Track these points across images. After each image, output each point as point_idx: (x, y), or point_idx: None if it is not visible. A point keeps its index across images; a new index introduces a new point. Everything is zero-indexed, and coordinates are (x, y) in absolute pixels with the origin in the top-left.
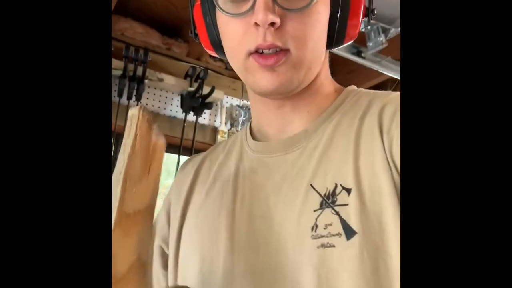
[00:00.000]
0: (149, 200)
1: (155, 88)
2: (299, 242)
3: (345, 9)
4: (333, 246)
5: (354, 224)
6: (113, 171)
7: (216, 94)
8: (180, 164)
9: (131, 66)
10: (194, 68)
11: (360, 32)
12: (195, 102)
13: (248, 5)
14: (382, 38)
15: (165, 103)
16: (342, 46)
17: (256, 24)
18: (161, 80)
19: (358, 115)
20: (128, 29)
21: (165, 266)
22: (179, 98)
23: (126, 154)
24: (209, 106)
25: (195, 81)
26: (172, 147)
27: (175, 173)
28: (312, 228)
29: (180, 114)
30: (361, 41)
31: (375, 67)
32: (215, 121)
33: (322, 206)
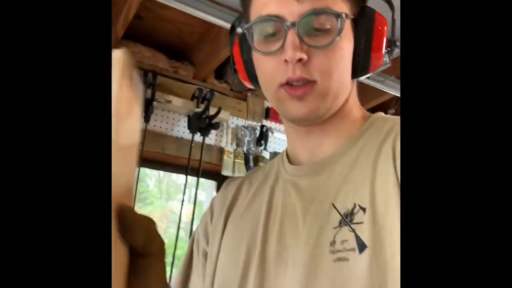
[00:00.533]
0: (135, 137)
1: (162, 110)
2: (318, 256)
3: (368, 43)
4: (347, 259)
5: (366, 239)
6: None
7: (222, 115)
8: (188, 183)
9: None
10: (200, 90)
11: None
12: (202, 123)
13: (278, 45)
14: (386, 58)
15: (173, 124)
16: (368, 75)
17: (286, 60)
18: (169, 101)
19: (379, 140)
20: (137, 53)
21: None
22: (186, 119)
23: (115, 93)
24: (216, 126)
25: (202, 102)
26: (180, 168)
27: (184, 191)
28: (331, 243)
29: (187, 135)
30: None
31: (379, 86)
32: (221, 141)
33: (340, 224)
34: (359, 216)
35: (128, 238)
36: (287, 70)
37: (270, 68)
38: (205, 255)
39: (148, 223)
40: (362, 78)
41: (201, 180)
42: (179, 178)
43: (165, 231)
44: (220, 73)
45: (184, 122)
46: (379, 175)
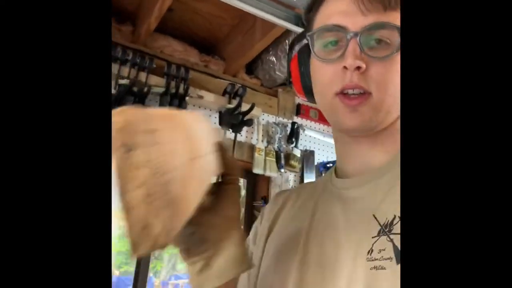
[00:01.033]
0: None
1: (193, 106)
2: (355, 264)
3: None
4: (384, 268)
5: None
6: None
7: (254, 111)
8: None
9: (172, 84)
10: (232, 85)
11: None
12: (235, 119)
13: (339, 53)
14: None
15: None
16: None
17: (344, 67)
18: (201, 97)
19: None
20: (167, 47)
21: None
22: (217, 115)
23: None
24: (248, 123)
25: (233, 98)
26: None
27: None
28: (368, 252)
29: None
30: None
31: None
32: (251, 138)
33: (379, 234)
34: (398, 227)
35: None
36: (344, 77)
37: (328, 75)
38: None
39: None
40: None
41: None
42: None
43: None
44: (250, 68)
45: (215, 118)
46: None
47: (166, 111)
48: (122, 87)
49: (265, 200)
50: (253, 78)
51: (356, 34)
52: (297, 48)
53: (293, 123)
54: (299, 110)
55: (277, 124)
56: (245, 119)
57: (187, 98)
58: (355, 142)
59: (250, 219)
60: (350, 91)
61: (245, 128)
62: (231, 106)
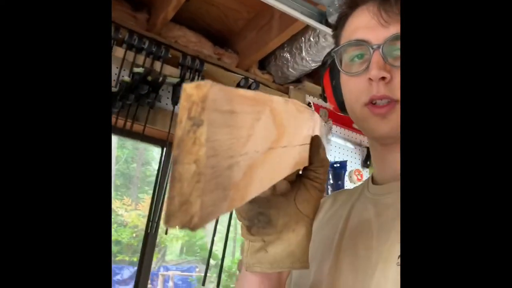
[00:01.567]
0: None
1: None
2: (386, 268)
3: None
4: None
5: None
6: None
7: None
8: None
9: (187, 75)
10: (246, 80)
11: None
12: None
13: (364, 66)
14: None
15: None
16: None
17: (370, 79)
18: None
19: None
20: (182, 37)
21: None
22: None
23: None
24: None
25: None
26: None
27: None
28: (398, 257)
29: None
30: None
31: None
32: None
33: None
34: None
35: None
36: (371, 89)
37: (355, 88)
38: None
39: None
40: None
41: None
42: None
43: None
44: (263, 63)
45: None
46: None
47: (257, 94)
48: (137, 75)
49: None
50: (266, 73)
51: (378, 47)
52: (328, 64)
53: None
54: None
55: None
56: None
57: None
58: (388, 149)
59: None
60: (378, 101)
61: None
62: None
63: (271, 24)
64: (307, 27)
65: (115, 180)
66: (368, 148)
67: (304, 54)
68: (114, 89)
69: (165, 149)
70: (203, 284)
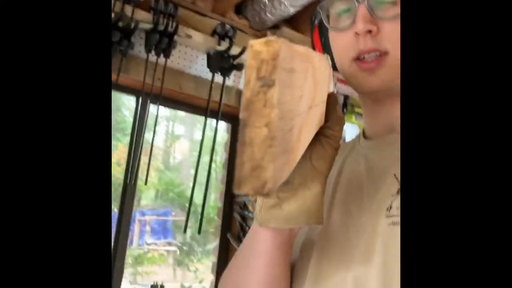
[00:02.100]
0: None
1: (180, 45)
2: (375, 219)
3: None
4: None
5: None
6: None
7: (243, 54)
8: (208, 126)
9: (160, 21)
10: (222, 25)
11: None
12: (225, 63)
13: (351, 19)
14: None
15: (191, 61)
16: None
17: (356, 33)
18: (189, 36)
19: None
20: None
21: None
22: (204, 56)
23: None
24: (239, 67)
25: (222, 39)
26: (197, 108)
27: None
28: (387, 209)
29: (205, 74)
30: None
31: None
32: (239, 82)
33: (398, 192)
34: None
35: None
36: (359, 43)
37: (343, 43)
38: None
39: None
40: None
41: (181, 114)
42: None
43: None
44: (239, 8)
45: (202, 60)
46: None
47: (306, 49)
48: None
49: None
50: (242, 18)
51: None
52: (317, 21)
53: None
54: None
55: None
56: (235, 63)
57: (175, 37)
58: (378, 104)
59: (234, 164)
60: (367, 56)
61: (232, 72)
62: (221, 48)
63: None
64: None
65: None
66: (345, 96)
67: None
68: None
69: (140, 98)
70: (185, 231)
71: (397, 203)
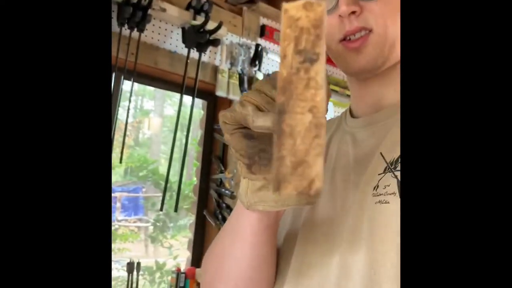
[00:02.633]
0: None
1: (154, 18)
2: (362, 198)
3: None
4: (388, 202)
5: None
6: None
7: (219, 30)
8: (184, 103)
9: None
10: None
11: None
12: (201, 38)
13: (334, 2)
14: None
15: (165, 35)
16: None
17: (340, 16)
18: (163, 10)
19: None
20: None
21: None
22: (179, 31)
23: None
24: (215, 43)
25: (198, 13)
26: (174, 85)
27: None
28: (374, 187)
29: (181, 49)
30: None
31: None
32: (215, 59)
33: (385, 171)
34: None
35: None
36: (343, 25)
37: (328, 25)
38: None
39: None
40: None
41: (150, 88)
42: (126, 85)
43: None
44: None
45: (177, 34)
46: None
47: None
48: None
49: None
50: None
51: None
52: None
53: (257, 45)
54: (263, 31)
55: (241, 45)
56: (211, 38)
57: (149, 10)
58: (366, 83)
59: (210, 141)
60: (352, 37)
61: (208, 48)
62: (197, 23)
63: None
64: None
65: None
66: None
67: None
68: None
69: (113, 74)
70: (161, 209)
71: (384, 182)
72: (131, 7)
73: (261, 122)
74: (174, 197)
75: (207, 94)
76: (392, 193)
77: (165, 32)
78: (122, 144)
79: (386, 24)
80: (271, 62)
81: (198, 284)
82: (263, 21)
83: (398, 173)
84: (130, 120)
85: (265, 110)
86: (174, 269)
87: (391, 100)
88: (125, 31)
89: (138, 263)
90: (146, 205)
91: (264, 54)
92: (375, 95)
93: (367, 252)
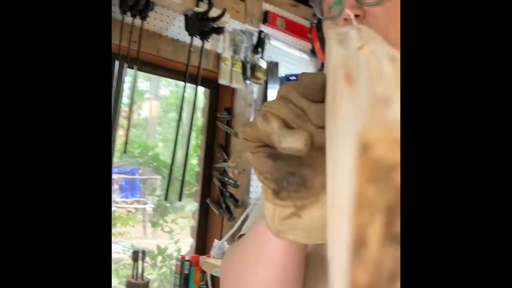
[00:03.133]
0: None
1: (156, 5)
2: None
3: None
4: None
5: None
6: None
7: (223, 17)
8: (187, 92)
9: None
10: None
11: None
12: (204, 26)
13: (338, 10)
14: None
15: (167, 23)
16: None
17: (345, 20)
18: None
19: None
20: None
21: None
22: (182, 18)
23: None
24: (219, 30)
25: (201, 0)
26: (175, 72)
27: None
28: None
29: (183, 37)
30: None
31: None
32: (217, 46)
33: None
34: None
35: None
36: None
37: None
38: None
39: None
40: None
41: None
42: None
43: None
44: None
45: (180, 21)
46: None
47: None
48: None
49: (229, 111)
50: None
51: None
52: (315, 19)
53: (260, 32)
54: (266, 17)
55: (244, 32)
56: (214, 25)
57: None
58: None
59: (213, 129)
60: None
61: (211, 36)
62: (200, 10)
63: None
64: None
65: None
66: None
67: None
68: None
69: (117, 62)
70: (166, 198)
71: None
72: None
73: (290, 142)
74: (173, 181)
75: (210, 82)
76: None
77: (168, 19)
78: (126, 136)
79: (388, 28)
80: (274, 49)
81: (203, 271)
82: (266, 6)
83: None
84: (125, 101)
85: (294, 125)
86: (176, 254)
87: None
88: (127, 18)
89: (143, 251)
90: (143, 188)
91: (266, 41)
92: None
93: None
